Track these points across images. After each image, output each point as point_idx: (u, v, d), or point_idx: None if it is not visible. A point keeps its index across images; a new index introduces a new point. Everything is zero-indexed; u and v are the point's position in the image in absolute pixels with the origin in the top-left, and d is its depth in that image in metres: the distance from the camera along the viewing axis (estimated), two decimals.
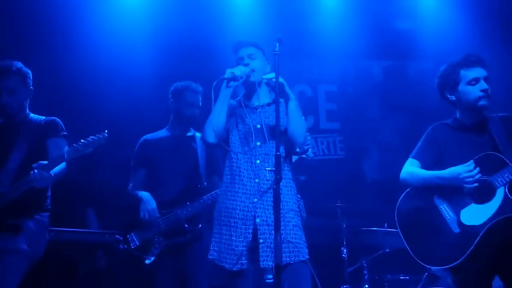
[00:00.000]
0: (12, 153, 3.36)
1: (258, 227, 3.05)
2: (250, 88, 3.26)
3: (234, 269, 3.03)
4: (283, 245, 2.91)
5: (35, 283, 3.33)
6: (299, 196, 3.27)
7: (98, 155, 3.37)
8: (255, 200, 3.08)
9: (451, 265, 2.96)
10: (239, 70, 3.10)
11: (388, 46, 5.95)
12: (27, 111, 3.53)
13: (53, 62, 5.21)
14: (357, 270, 4.82)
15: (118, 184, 4.46)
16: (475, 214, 3.01)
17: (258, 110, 3.20)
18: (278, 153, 2.84)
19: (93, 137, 3.27)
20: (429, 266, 3.12)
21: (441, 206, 3.11)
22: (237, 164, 3.16)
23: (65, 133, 3.50)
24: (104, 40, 5.39)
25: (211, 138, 3.11)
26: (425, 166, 3.22)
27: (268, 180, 3.06)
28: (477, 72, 3.13)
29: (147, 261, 3.85)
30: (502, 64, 5.38)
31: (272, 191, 2.90)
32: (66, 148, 3.35)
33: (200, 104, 4.18)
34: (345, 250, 4.77)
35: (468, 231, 2.98)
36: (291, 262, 3.02)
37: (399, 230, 3.20)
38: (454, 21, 5.71)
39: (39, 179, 3.20)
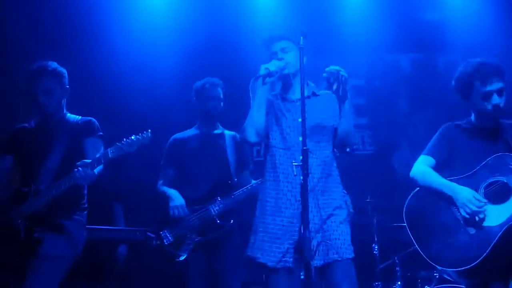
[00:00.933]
0: (50, 152, 3.41)
1: None
2: (286, 82, 3.19)
3: (277, 266, 2.98)
4: (329, 243, 2.92)
5: (66, 281, 3.37)
6: (345, 192, 3.20)
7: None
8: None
9: (467, 267, 2.85)
10: (273, 65, 3.04)
11: (415, 39, 5.86)
12: (64, 110, 3.57)
13: (80, 63, 5.25)
14: (389, 267, 4.75)
15: (146, 181, 4.49)
16: (491, 215, 2.91)
17: (298, 103, 3.10)
18: (305, 147, 2.76)
19: (137, 136, 3.29)
20: (442, 268, 3.02)
21: (454, 207, 3.02)
22: (280, 161, 3.10)
23: (101, 133, 3.53)
24: (129, 40, 5.45)
25: (253, 137, 3.07)
26: (438, 164, 3.16)
27: (314, 177, 2.97)
28: (490, 86, 3.02)
29: (180, 258, 3.86)
30: None
31: (318, 188, 2.90)
32: (102, 149, 3.41)
33: (222, 96, 4.20)
34: (376, 247, 4.71)
35: (484, 232, 2.89)
36: (338, 259, 2.95)
37: (408, 230, 3.13)
38: (483, 11, 5.59)
39: (84, 177, 3.22)
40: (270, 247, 3.03)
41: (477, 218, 2.92)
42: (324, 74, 3.02)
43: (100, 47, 5.36)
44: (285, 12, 5.54)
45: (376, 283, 4.65)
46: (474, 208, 2.92)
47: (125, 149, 3.25)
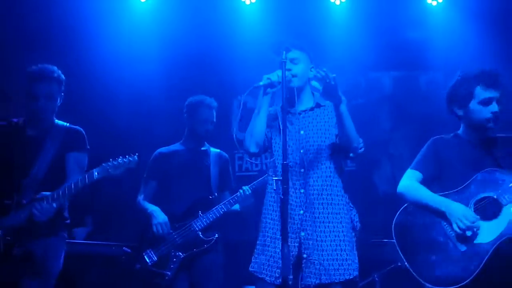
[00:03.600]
0: (36, 162, 3.30)
1: (302, 241, 2.92)
2: (292, 94, 3.08)
3: (276, 282, 2.90)
4: (327, 263, 2.85)
5: None
6: (352, 205, 3.11)
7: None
8: (301, 212, 2.95)
9: (459, 285, 2.81)
10: (276, 76, 2.96)
11: (398, 57, 5.91)
12: (53, 117, 3.48)
13: (64, 74, 5.22)
14: (369, 285, 4.72)
15: (122, 194, 4.41)
16: (482, 232, 2.87)
17: (302, 115, 3.08)
18: (285, 162, 2.71)
19: (123, 159, 3.25)
20: (433, 286, 2.94)
21: (444, 223, 2.97)
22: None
23: (88, 147, 3.47)
24: (115, 52, 5.41)
25: (252, 148, 3.02)
26: (426, 178, 3.11)
27: (315, 190, 2.93)
28: (492, 92, 3.00)
29: (166, 277, 3.79)
30: None
31: (318, 202, 2.83)
32: (85, 163, 3.36)
33: (214, 119, 4.16)
34: None
35: (476, 249, 2.85)
36: (330, 282, 2.88)
37: (397, 248, 3.06)
38: (465, 31, 5.64)
39: (40, 213, 3.15)
40: (268, 261, 2.97)
41: (469, 234, 2.86)
42: (313, 72, 2.91)
43: (84, 58, 5.32)
44: (270, 29, 5.54)
45: None
46: (468, 224, 2.85)
47: (110, 171, 3.21)
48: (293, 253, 2.89)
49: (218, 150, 4.23)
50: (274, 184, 2.85)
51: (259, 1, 5.73)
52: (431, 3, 5.81)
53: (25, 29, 5.23)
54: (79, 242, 4.46)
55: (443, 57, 5.70)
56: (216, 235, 3.93)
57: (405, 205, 3.13)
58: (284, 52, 2.87)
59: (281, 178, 2.70)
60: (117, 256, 4.24)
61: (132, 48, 5.50)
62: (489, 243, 2.83)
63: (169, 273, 3.81)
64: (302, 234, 2.92)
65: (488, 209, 2.91)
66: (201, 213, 3.92)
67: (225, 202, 3.96)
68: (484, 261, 2.80)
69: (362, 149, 3.06)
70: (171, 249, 3.87)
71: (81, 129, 3.49)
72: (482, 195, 2.94)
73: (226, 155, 4.27)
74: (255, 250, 3.05)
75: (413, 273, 2.96)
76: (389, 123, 6.05)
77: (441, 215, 2.96)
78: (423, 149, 3.21)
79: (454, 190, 3.00)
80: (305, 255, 2.90)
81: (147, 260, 3.85)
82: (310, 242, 2.90)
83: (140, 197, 4.11)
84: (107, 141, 5.27)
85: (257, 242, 3.07)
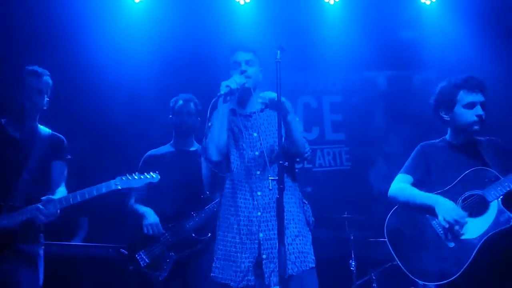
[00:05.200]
0: (25, 166, 3.32)
1: (262, 242, 2.95)
2: (243, 95, 3.13)
3: (239, 286, 2.94)
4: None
5: None
6: (305, 201, 3.16)
7: (99, 166, 3.39)
8: (259, 213, 2.99)
9: (448, 280, 2.90)
10: (234, 82, 2.99)
11: (392, 57, 5.94)
12: (37, 122, 3.50)
13: (58, 77, 5.20)
14: (366, 283, 4.74)
15: (116, 196, 4.39)
16: (470, 228, 2.97)
17: (253, 117, 3.11)
18: (281, 162, 2.72)
19: (146, 174, 3.38)
20: (424, 283, 3.04)
21: (434, 221, 3.08)
22: (238, 178, 3.07)
23: (69, 156, 3.52)
24: (108, 53, 5.39)
25: (215, 156, 3.01)
26: (416, 181, 3.22)
27: (270, 191, 2.95)
28: (475, 96, 3.13)
29: (160, 278, 3.79)
30: (508, 75, 5.36)
31: (274, 203, 2.85)
32: (65, 172, 3.41)
33: (194, 111, 4.16)
34: (353, 263, 4.70)
35: (464, 244, 2.94)
36: (294, 274, 2.92)
37: (390, 248, 3.16)
38: (458, 30, 5.70)
39: (45, 216, 3.17)
40: (231, 266, 2.98)
41: (457, 227, 2.96)
42: (259, 100, 2.95)
43: (77, 59, 5.30)
44: (265, 29, 5.55)
45: None
46: (455, 217, 2.96)
47: (132, 183, 3.33)
48: (254, 254, 2.94)
49: None
50: (270, 184, 2.86)
51: (254, 1, 5.74)
52: (424, 3, 5.85)
53: (17, 29, 5.22)
54: (76, 244, 4.44)
55: (436, 56, 5.74)
56: (209, 235, 3.92)
57: (396, 206, 3.24)
58: (278, 51, 2.88)
59: (276, 178, 2.71)
60: (113, 258, 4.23)
61: (125, 48, 5.47)
62: (477, 239, 2.92)
63: (162, 274, 3.81)
64: (261, 235, 2.96)
65: (475, 206, 3.01)
66: (193, 213, 3.93)
67: (217, 201, 3.96)
68: (472, 256, 2.88)
69: (308, 153, 3.11)
70: (164, 250, 3.86)
71: (63, 138, 3.55)
72: (469, 192, 3.05)
73: None
74: (215, 255, 3.06)
75: (405, 270, 3.06)
76: (383, 122, 6.08)
77: (430, 210, 3.06)
78: (412, 154, 3.34)
79: (442, 190, 3.11)
80: (264, 256, 2.94)
81: (140, 262, 3.85)
82: (269, 242, 2.94)
83: (132, 201, 4.09)
84: (100, 143, 5.27)
85: (216, 246, 3.08)
